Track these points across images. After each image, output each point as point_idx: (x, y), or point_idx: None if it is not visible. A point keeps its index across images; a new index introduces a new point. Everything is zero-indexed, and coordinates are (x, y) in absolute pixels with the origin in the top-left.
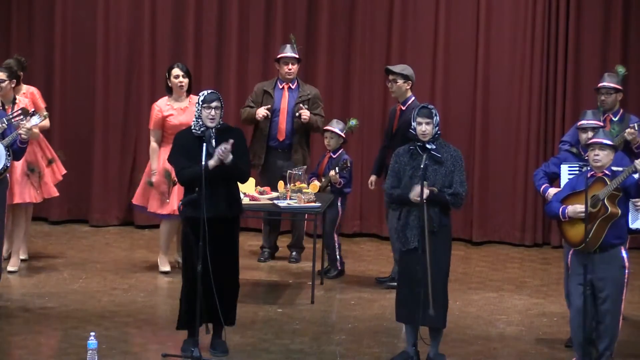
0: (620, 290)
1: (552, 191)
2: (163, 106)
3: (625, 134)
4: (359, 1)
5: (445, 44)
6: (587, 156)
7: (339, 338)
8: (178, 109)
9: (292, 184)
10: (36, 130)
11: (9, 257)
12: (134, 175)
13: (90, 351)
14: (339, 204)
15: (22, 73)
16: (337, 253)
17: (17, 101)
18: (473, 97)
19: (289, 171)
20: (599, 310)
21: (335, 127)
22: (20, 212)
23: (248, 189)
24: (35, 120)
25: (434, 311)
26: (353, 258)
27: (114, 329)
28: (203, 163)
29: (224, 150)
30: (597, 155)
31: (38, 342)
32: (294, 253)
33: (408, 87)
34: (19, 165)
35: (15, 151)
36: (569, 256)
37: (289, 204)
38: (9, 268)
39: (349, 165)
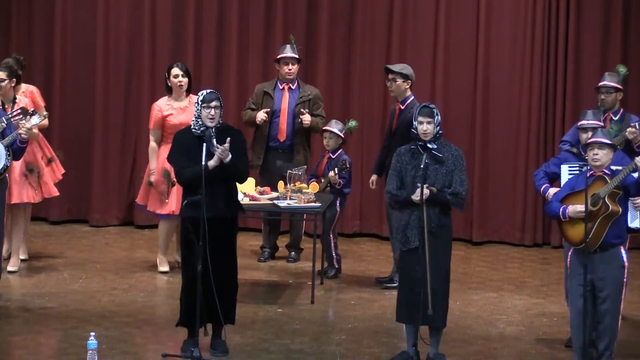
0: (619, 290)
1: (552, 191)
2: (163, 106)
3: (627, 133)
4: (359, 1)
5: (445, 44)
6: (587, 156)
7: (339, 338)
8: (178, 109)
9: (292, 184)
10: (35, 130)
11: (9, 257)
12: (134, 175)
13: (90, 351)
14: (337, 203)
15: (21, 72)
16: (333, 251)
17: (17, 100)
18: (473, 97)
19: (289, 171)
20: (598, 310)
21: (334, 127)
22: (19, 212)
23: (248, 189)
24: (35, 119)
25: (433, 311)
26: (353, 258)
27: (114, 329)
28: (203, 163)
29: (223, 150)
30: (596, 154)
31: (38, 342)
32: (292, 253)
33: (407, 87)
34: (18, 165)
35: (15, 151)
36: (569, 256)
37: (289, 204)
38: (9, 268)
39: (348, 166)
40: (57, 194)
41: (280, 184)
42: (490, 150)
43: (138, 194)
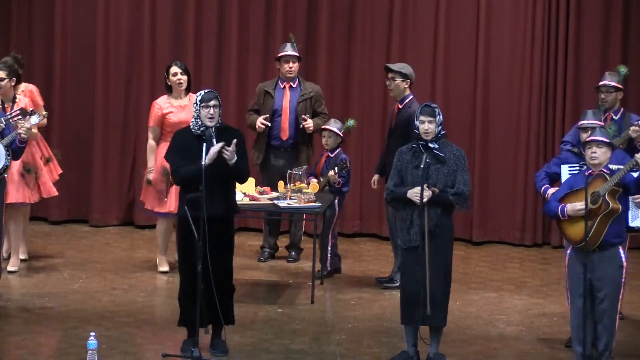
0: (617, 289)
1: (551, 191)
2: (163, 104)
3: (630, 132)
4: (359, 1)
5: (445, 44)
6: (585, 154)
7: (339, 338)
8: (178, 107)
9: (292, 184)
10: (35, 130)
11: (8, 257)
12: (133, 175)
13: (90, 351)
14: (336, 202)
15: (21, 71)
16: (329, 253)
17: (17, 100)
18: (473, 97)
19: (289, 171)
20: (597, 310)
21: (333, 126)
22: (17, 212)
23: (248, 189)
24: (34, 119)
25: (432, 311)
26: (353, 258)
27: (114, 329)
28: (203, 163)
29: (231, 152)
30: (595, 152)
31: (38, 342)
32: (292, 253)
33: (406, 86)
34: (15, 165)
35: (15, 150)
36: (567, 256)
37: (289, 204)
38: (9, 268)
39: (348, 165)
40: (56, 193)
41: (280, 184)
42: (490, 150)
43: (141, 193)
